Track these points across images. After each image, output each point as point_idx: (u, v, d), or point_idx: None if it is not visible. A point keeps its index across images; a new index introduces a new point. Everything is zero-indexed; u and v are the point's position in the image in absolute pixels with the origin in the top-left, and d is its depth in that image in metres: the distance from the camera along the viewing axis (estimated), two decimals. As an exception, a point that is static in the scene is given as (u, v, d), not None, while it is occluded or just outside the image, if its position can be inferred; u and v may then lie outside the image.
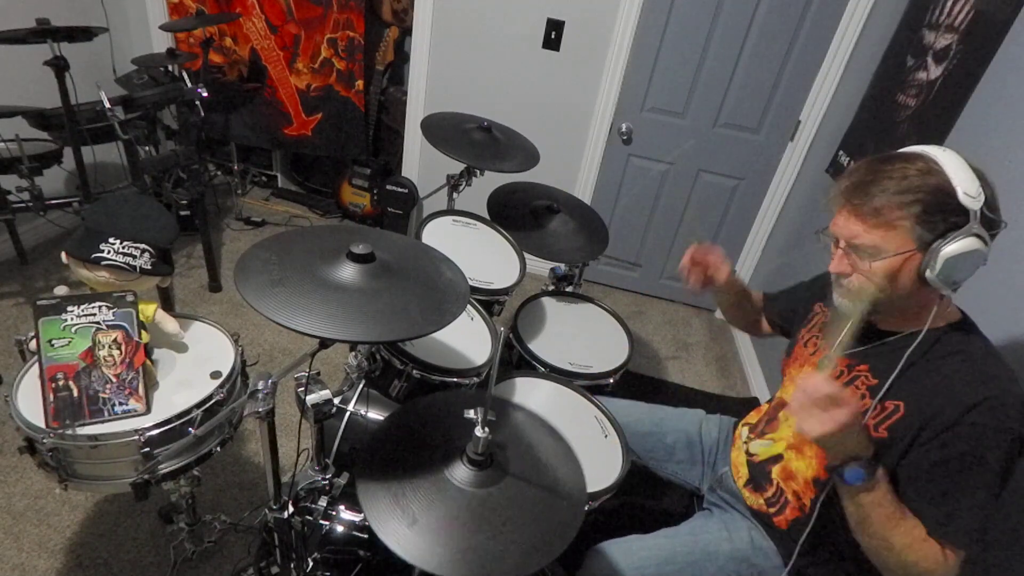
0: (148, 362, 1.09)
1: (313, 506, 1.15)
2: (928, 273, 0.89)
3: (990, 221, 0.88)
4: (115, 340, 1.05)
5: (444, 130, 1.71)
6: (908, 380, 0.96)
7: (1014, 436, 0.86)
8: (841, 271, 0.98)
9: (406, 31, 2.99)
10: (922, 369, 0.95)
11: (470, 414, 0.87)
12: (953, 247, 0.87)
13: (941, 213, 0.87)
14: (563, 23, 2.62)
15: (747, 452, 1.23)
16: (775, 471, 1.15)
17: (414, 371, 1.26)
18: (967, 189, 0.86)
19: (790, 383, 1.20)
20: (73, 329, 1.03)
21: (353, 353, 1.31)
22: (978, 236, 0.87)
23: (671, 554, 1.13)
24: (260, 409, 0.92)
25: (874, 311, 0.98)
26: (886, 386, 0.97)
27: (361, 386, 1.37)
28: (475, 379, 1.34)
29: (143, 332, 1.09)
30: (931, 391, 0.92)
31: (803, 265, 2.48)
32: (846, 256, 0.97)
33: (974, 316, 1.02)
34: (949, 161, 0.89)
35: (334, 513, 1.20)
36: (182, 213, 2.71)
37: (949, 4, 1.82)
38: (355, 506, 1.22)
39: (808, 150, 2.70)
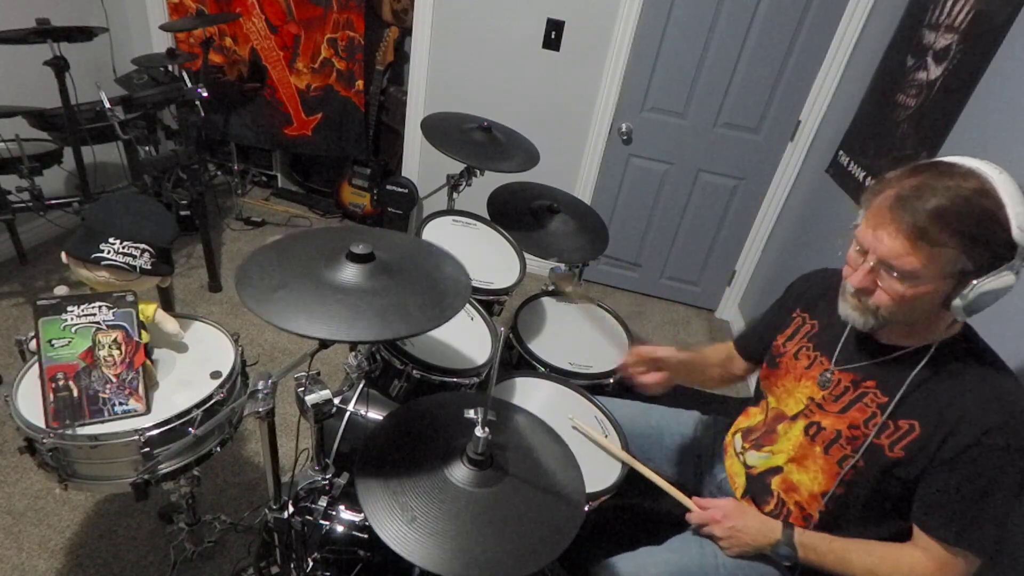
0: (148, 362, 1.09)
1: (313, 506, 1.15)
2: (957, 302, 0.84)
3: None
4: (115, 340, 1.05)
5: (444, 130, 1.71)
6: (921, 398, 0.94)
7: None
8: (865, 287, 0.91)
9: (406, 31, 2.99)
10: (934, 386, 0.93)
11: (470, 414, 0.87)
12: (992, 283, 0.81)
13: (988, 244, 0.80)
14: (563, 23, 2.62)
15: (744, 464, 1.20)
16: (775, 482, 1.13)
17: (414, 371, 1.26)
18: (1021, 223, 0.79)
19: (787, 396, 1.15)
20: (73, 329, 1.03)
21: (353, 353, 1.31)
22: (1017, 272, 0.82)
23: (680, 568, 1.12)
24: (260, 409, 0.92)
25: (880, 326, 0.95)
26: (893, 403, 0.95)
27: (361, 386, 1.37)
28: (475, 379, 1.34)
29: (143, 332, 1.09)
30: (946, 409, 0.91)
31: (803, 264, 2.47)
32: (873, 273, 0.89)
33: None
34: (1004, 185, 0.81)
35: (334, 513, 1.20)
36: (182, 213, 2.71)
37: (949, 4, 1.82)
38: (355, 506, 1.22)
39: (808, 150, 2.70)
